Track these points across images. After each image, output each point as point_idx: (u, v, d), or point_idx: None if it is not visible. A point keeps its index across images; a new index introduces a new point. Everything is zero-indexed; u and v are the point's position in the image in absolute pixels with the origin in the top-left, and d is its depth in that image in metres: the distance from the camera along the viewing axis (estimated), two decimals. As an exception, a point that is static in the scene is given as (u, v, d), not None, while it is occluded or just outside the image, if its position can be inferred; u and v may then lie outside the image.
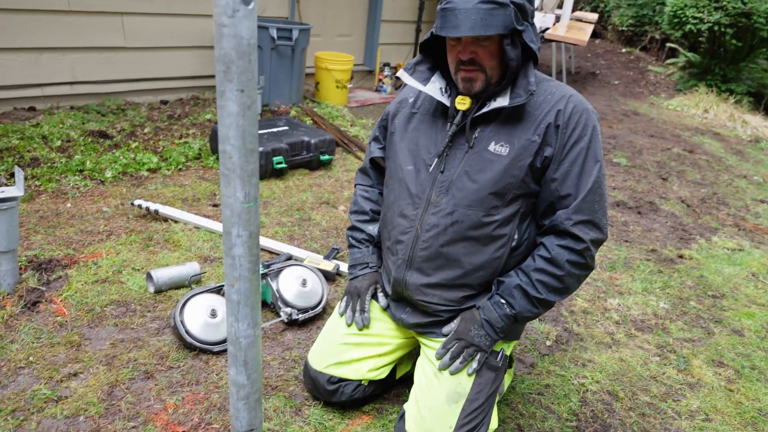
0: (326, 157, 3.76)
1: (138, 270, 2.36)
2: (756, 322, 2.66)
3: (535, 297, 1.51)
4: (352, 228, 1.85)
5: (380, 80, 6.03)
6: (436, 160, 1.56)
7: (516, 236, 1.55)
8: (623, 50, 10.27)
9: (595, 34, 11.09)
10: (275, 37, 4.51)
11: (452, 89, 1.57)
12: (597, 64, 9.53)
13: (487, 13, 1.34)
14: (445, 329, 1.61)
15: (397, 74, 1.60)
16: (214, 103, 4.71)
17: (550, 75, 7.54)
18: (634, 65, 9.51)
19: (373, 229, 1.82)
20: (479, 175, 1.50)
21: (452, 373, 1.54)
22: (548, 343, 2.30)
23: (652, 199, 4.10)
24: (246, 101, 0.96)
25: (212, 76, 4.85)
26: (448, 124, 1.57)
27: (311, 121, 4.56)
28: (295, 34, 4.59)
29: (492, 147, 1.50)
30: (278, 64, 4.67)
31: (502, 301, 1.54)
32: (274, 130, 3.77)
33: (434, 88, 1.57)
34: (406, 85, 1.74)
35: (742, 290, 2.95)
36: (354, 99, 5.62)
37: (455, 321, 1.60)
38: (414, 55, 6.44)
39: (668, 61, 9.32)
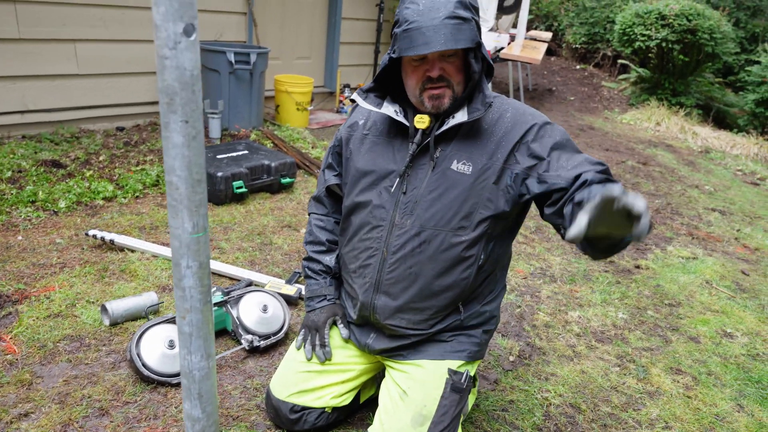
0: (287, 180, 3.75)
1: (92, 303, 2.29)
2: (710, 329, 2.74)
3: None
4: (308, 259, 1.83)
5: (341, 101, 6.07)
6: (398, 180, 1.56)
7: (483, 256, 1.56)
8: (578, 67, 10.59)
9: (550, 52, 11.42)
10: (233, 61, 4.51)
11: (408, 110, 1.59)
12: (553, 81, 9.79)
13: (455, 28, 1.37)
14: (573, 231, 1.06)
15: (351, 97, 1.62)
16: (172, 128, 4.66)
17: (507, 93, 7.71)
18: (588, 81, 9.81)
19: (329, 259, 1.80)
20: (445, 195, 1.51)
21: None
22: (511, 358, 2.33)
23: (609, 211, 4.20)
24: (191, 132, 0.96)
25: (170, 102, 4.81)
26: (408, 143, 1.58)
27: (272, 144, 4.55)
28: (253, 57, 4.60)
29: (455, 165, 1.51)
30: (237, 88, 4.66)
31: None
32: (234, 154, 3.74)
33: (388, 110, 1.58)
34: (355, 109, 1.76)
35: (696, 297, 3.04)
36: (315, 121, 5.64)
37: (583, 211, 1.08)
38: (374, 76, 6.51)
39: (621, 76, 9.65)
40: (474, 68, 1.45)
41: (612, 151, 6.00)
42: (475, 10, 1.47)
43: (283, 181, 3.73)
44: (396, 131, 1.62)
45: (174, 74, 0.91)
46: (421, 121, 1.53)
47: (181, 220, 1.00)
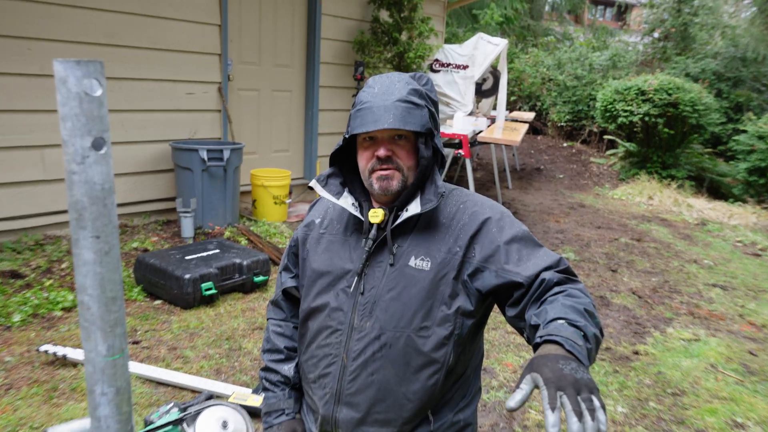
0: (260, 278, 3.71)
1: (36, 429, 2.18)
2: (719, 419, 2.63)
3: (575, 310, 1.27)
4: (266, 369, 1.76)
5: (321, 192, 6.16)
6: (356, 280, 1.54)
7: (451, 358, 1.50)
8: (565, 144, 10.91)
9: (536, 131, 11.81)
10: (206, 158, 4.60)
11: (364, 204, 1.59)
12: (541, 160, 10.04)
13: (405, 111, 1.42)
14: (512, 401, 1.02)
15: (310, 184, 1.62)
16: (143, 230, 4.67)
17: (492, 174, 7.87)
18: (576, 158, 10.07)
19: (288, 369, 1.73)
20: (403, 293, 1.48)
21: None
22: (502, 466, 2.20)
23: (602, 293, 4.16)
24: (103, 247, 0.94)
25: (142, 202, 4.86)
26: (363, 240, 1.57)
27: (247, 241, 4.55)
28: (226, 153, 4.70)
29: (413, 262, 1.50)
30: (210, 185, 4.73)
31: (560, 323, 1.22)
32: (204, 254, 3.73)
33: (346, 203, 1.59)
34: (313, 207, 1.76)
35: (702, 384, 2.94)
36: (294, 213, 5.68)
37: (525, 379, 1.06)
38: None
39: (608, 152, 9.92)
40: (423, 154, 1.47)
41: (604, 228, 6.04)
42: (432, 101, 1.52)
43: (256, 279, 3.69)
44: (353, 228, 1.62)
45: (83, 189, 0.90)
46: (375, 216, 1.53)
47: (95, 343, 0.95)
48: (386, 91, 1.46)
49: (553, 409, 1.01)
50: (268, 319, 1.83)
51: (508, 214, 1.54)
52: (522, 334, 1.41)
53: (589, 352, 1.20)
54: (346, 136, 1.49)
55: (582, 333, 1.21)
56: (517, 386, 1.06)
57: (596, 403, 1.02)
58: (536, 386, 1.06)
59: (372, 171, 1.50)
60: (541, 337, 1.20)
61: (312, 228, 1.69)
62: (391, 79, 1.51)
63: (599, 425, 1.00)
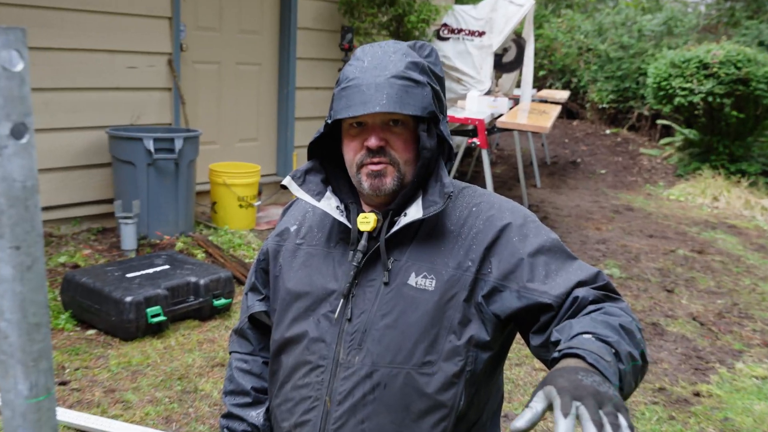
0: (222, 301, 3.73)
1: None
2: (802, 477, 2.66)
3: (608, 325, 1.28)
4: (228, 416, 1.76)
5: (299, 192, 6.18)
6: (341, 303, 1.55)
7: (462, 402, 1.51)
8: (607, 131, 10.98)
9: (571, 114, 11.88)
10: (152, 149, 4.62)
11: (351, 207, 1.60)
12: (577, 151, 10.10)
13: (402, 90, 1.42)
14: (520, 421, 1.00)
15: (283, 182, 1.62)
16: (73, 240, 4.69)
17: (515, 169, 7.91)
18: (622, 149, 10.13)
19: (257, 415, 1.74)
20: (401, 320, 1.48)
21: None
22: None
23: (655, 319, 4.19)
24: (24, 261, 0.95)
25: (71, 205, 4.87)
26: (351, 253, 1.58)
27: (205, 254, 4.56)
28: (178, 143, 4.72)
29: (413, 280, 1.50)
30: (158, 183, 4.75)
31: (585, 337, 1.23)
32: (151, 270, 3.75)
33: (329, 206, 1.60)
34: (288, 210, 1.78)
35: (780, 433, 2.97)
36: (265, 219, 5.71)
37: (537, 396, 1.05)
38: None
39: (662, 141, 9.99)
40: (425, 144, 1.48)
41: (658, 238, 6.09)
42: (436, 78, 1.53)
43: (216, 303, 3.71)
44: (337, 237, 1.63)
45: (0, 187, 0.92)
46: (366, 222, 1.54)
47: (14, 380, 0.97)
48: (378, 65, 1.46)
49: (566, 415, 0.98)
50: (230, 353, 1.84)
51: (534, 219, 1.56)
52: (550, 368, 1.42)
53: (622, 374, 1.18)
54: (329, 121, 1.50)
55: (613, 350, 1.20)
56: (527, 405, 1.03)
57: (623, 421, 0.98)
58: (551, 404, 1.03)
59: (361, 165, 1.50)
60: (559, 351, 1.20)
61: (286, 237, 1.71)
62: (384, 50, 1.51)
63: None
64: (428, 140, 1.49)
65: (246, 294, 1.80)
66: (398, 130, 1.49)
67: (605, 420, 0.97)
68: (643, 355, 1.29)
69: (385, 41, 1.59)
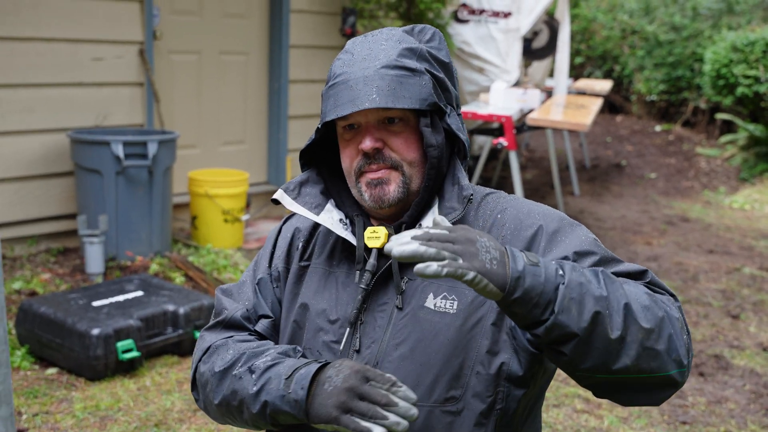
0: (205, 333, 3.73)
1: None
2: None
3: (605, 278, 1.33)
4: (245, 366, 1.53)
5: (294, 204, 6.19)
6: (347, 331, 1.55)
7: None
8: (658, 128, 10.97)
9: (614, 108, 11.87)
10: (121, 155, 4.64)
11: (358, 220, 1.60)
12: (622, 152, 10.09)
13: (395, 81, 1.43)
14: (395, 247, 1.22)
15: (274, 196, 1.62)
16: (29, 263, 4.71)
17: (549, 173, 7.90)
18: (675, 149, 10.11)
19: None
20: (418, 350, 1.49)
21: (420, 273, 1.19)
22: None
23: (718, 350, 4.18)
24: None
25: (27, 222, 4.88)
26: (357, 273, 1.58)
27: (184, 278, 4.58)
28: (152, 148, 4.74)
29: (431, 302, 1.51)
30: (129, 195, 4.76)
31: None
32: (122, 298, 3.76)
33: (331, 220, 1.60)
34: (285, 224, 1.78)
35: None
36: (254, 236, 5.72)
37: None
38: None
39: (723, 138, 9.96)
40: (429, 141, 1.48)
41: (719, 253, 6.06)
42: (438, 63, 1.53)
43: (198, 334, 3.70)
44: (341, 255, 1.64)
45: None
46: (375, 237, 1.54)
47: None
48: (368, 56, 1.48)
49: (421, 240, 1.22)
50: (210, 346, 1.70)
51: (569, 222, 1.56)
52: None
53: (562, 290, 1.24)
54: (319, 126, 1.52)
55: (561, 271, 1.27)
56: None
57: (466, 273, 1.19)
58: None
59: (359, 174, 1.52)
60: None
61: (294, 252, 1.71)
62: (375, 39, 1.53)
63: (433, 269, 1.18)
64: (433, 136, 1.49)
65: (256, 285, 1.71)
66: (396, 128, 1.50)
67: (446, 253, 1.20)
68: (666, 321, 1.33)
69: (378, 29, 1.60)
